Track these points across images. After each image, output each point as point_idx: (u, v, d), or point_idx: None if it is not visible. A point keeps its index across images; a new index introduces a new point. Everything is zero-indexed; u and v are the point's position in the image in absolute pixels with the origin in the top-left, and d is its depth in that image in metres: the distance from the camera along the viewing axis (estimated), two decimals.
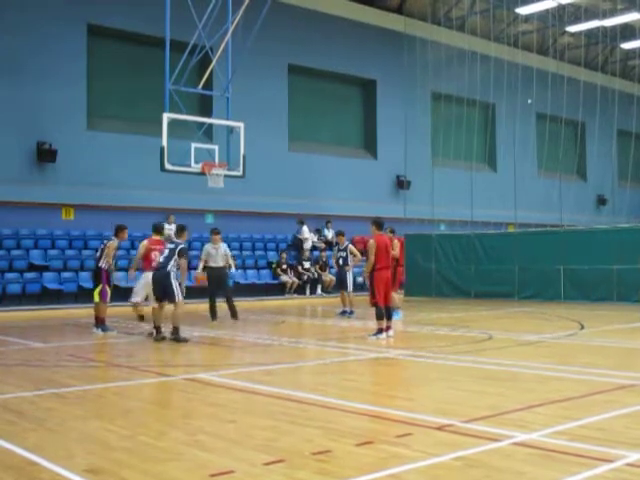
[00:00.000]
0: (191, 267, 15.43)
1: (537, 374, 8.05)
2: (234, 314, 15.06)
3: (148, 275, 12.53)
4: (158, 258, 12.01)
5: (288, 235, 25.51)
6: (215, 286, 15.02)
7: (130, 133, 22.37)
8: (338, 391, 7.19)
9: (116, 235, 13.00)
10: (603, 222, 25.87)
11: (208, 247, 15.08)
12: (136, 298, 14.21)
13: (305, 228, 24.68)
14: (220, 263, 14.86)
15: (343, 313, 16.40)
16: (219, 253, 14.89)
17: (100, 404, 6.90)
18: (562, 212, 24.54)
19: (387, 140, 28.60)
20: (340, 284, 16.74)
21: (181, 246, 11.64)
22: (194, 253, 19.84)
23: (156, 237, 12.57)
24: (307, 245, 24.45)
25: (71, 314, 17.59)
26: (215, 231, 15.22)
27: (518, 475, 4.34)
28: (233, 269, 15.82)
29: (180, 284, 11.70)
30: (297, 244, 24.62)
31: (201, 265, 15.04)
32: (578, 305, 18.91)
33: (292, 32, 25.83)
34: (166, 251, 11.77)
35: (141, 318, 14.32)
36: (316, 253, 24.62)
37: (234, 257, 15.77)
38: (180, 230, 12.17)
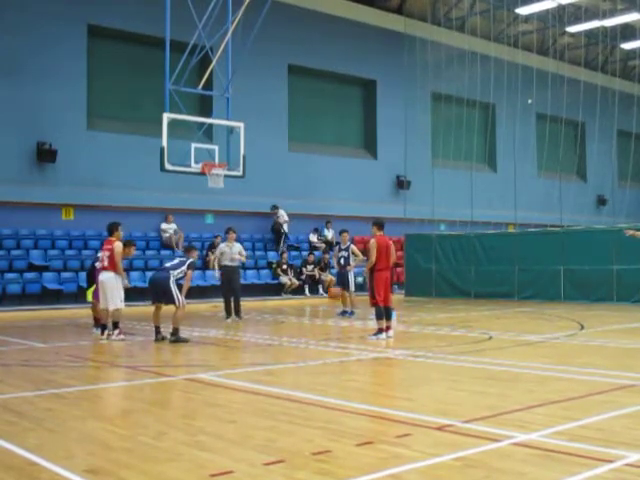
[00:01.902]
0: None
1: (537, 374, 8.05)
2: (238, 312, 15.55)
3: (98, 276, 12.06)
4: (104, 259, 11.72)
5: (289, 235, 25.51)
6: (227, 284, 15.53)
7: (130, 133, 22.38)
8: (338, 391, 7.19)
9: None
10: (603, 222, 25.87)
11: (222, 246, 15.84)
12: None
13: (282, 211, 24.73)
14: (232, 261, 15.47)
15: (343, 313, 16.41)
16: (232, 251, 15.47)
17: (100, 404, 6.90)
18: (562, 212, 24.55)
19: (387, 140, 28.60)
20: (342, 284, 16.74)
21: (191, 260, 11.92)
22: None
23: (109, 238, 12.26)
24: (285, 228, 24.51)
25: (71, 314, 17.60)
26: (231, 230, 15.84)
27: (518, 475, 4.34)
28: (243, 260, 16.03)
29: (181, 290, 11.75)
30: (277, 229, 24.68)
31: (216, 263, 15.67)
32: (578, 305, 18.91)
33: (292, 32, 25.83)
34: (176, 260, 12.03)
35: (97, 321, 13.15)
36: (317, 253, 24.62)
37: (245, 254, 16.30)
38: (190, 250, 12.32)
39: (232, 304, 15.55)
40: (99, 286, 11.95)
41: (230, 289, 15.56)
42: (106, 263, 11.71)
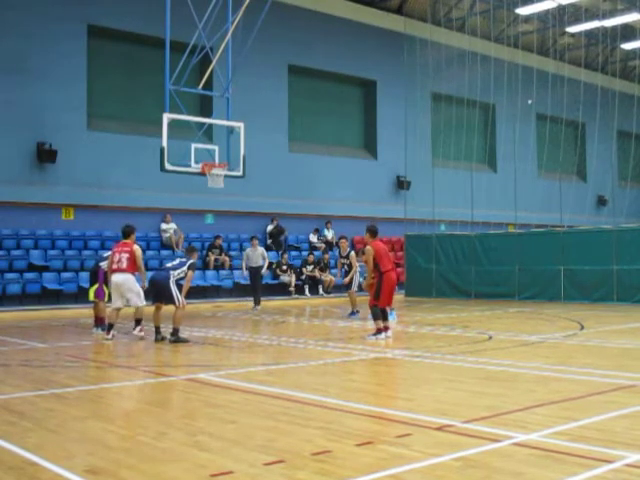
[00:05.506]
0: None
1: (537, 374, 8.05)
2: (257, 302, 19.29)
3: (111, 277, 12.10)
4: (122, 260, 11.84)
5: (290, 236, 25.54)
6: (252, 281, 19.37)
7: (130, 133, 22.37)
8: (338, 391, 7.19)
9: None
10: (603, 222, 25.87)
11: (248, 250, 19.33)
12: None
13: (270, 226, 24.89)
14: (256, 263, 19.03)
15: (351, 314, 16.46)
16: (255, 255, 19.02)
17: (100, 404, 6.90)
18: (562, 212, 24.54)
19: (387, 140, 28.60)
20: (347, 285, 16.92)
21: (192, 261, 11.98)
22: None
23: (124, 240, 12.39)
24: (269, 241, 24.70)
25: (71, 314, 17.61)
26: (254, 237, 19.66)
27: (518, 475, 4.34)
28: (264, 270, 19.45)
29: (181, 291, 11.79)
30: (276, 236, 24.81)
31: (244, 265, 19.19)
32: (578, 305, 18.91)
33: (292, 32, 25.82)
34: (177, 260, 12.12)
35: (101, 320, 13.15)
36: (317, 253, 24.62)
37: (267, 259, 19.62)
38: (191, 251, 12.39)
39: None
40: (113, 287, 12.01)
41: (254, 285, 19.43)
42: (124, 265, 11.84)
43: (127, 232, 12.28)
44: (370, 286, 11.80)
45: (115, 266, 11.90)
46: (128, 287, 11.85)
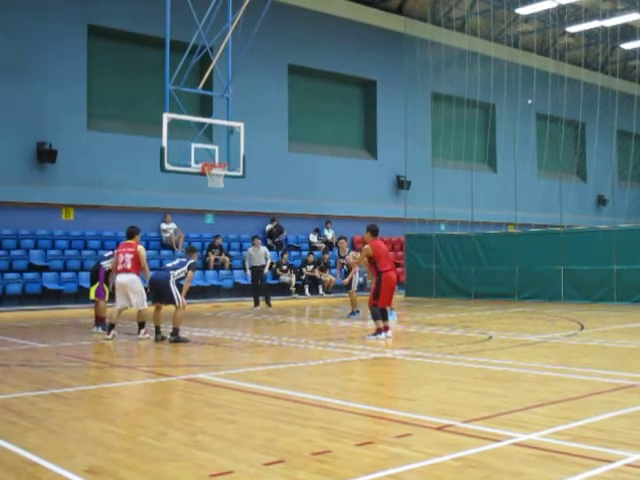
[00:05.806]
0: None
1: (537, 374, 8.05)
2: (268, 303, 19.56)
3: (116, 278, 12.20)
4: (126, 261, 11.89)
5: (290, 236, 25.55)
6: (256, 280, 19.36)
7: (130, 133, 22.37)
8: (338, 391, 7.19)
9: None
10: (603, 222, 25.85)
11: (250, 250, 19.45)
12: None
13: (269, 225, 24.86)
14: (259, 262, 19.18)
15: (352, 314, 16.46)
16: (258, 254, 19.18)
17: (100, 404, 6.90)
18: (562, 212, 24.53)
19: (387, 140, 28.60)
20: (348, 285, 16.95)
21: (192, 261, 12.01)
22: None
23: (128, 241, 12.44)
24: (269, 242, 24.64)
25: (71, 314, 17.61)
26: (256, 237, 19.92)
27: (518, 475, 4.34)
28: (266, 269, 19.54)
29: (181, 290, 11.80)
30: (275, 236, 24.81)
31: (246, 265, 19.40)
32: (578, 305, 18.91)
33: (292, 32, 25.82)
34: (177, 260, 12.17)
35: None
36: (317, 253, 24.63)
37: (270, 258, 19.79)
38: (191, 251, 12.43)
39: (259, 296, 19.44)
40: (117, 287, 12.06)
41: (259, 285, 19.45)
42: (129, 265, 11.88)
43: (131, 233, 12.32)
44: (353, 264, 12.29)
45: (120, 267, 11.96)
46: (132, 288, 11.88)
